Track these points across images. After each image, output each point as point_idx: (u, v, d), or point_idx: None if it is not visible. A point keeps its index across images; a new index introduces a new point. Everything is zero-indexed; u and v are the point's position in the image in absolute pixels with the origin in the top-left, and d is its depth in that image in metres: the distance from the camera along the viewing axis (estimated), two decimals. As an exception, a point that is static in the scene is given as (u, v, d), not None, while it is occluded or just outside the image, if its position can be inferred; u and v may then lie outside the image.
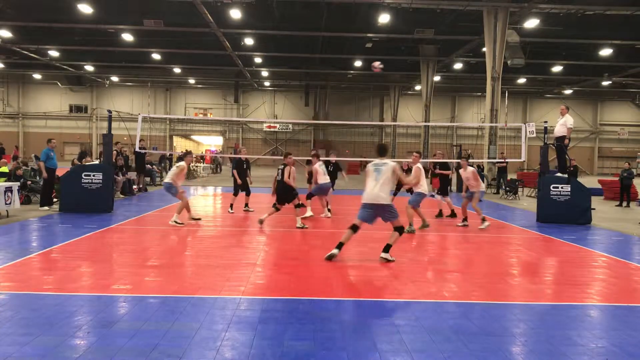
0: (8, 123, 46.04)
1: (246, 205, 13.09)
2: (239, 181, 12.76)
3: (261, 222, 10.40)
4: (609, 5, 20.90)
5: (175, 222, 10.39)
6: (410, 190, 11.61)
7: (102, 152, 14.17)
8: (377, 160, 7.61)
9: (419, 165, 10.37)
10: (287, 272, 6.77)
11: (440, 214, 12.81)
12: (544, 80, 40.64)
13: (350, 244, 9.00)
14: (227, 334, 4.40)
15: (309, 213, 11.94)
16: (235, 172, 12.93)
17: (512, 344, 4.42)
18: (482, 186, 11.78)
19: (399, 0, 20.94)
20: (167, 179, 10.90)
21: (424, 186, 10.43)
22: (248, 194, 13.06)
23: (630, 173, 17.71)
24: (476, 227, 11.19)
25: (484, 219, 11.22)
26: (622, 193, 17.81)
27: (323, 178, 11.93)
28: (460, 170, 11.78)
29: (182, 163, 10.95)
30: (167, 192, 11.01)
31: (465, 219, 11.50)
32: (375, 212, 7.44)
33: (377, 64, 10.10)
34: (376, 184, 7.34)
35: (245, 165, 13.00)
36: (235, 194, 12.98)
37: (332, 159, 14.24)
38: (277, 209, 10.58)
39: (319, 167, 11.96)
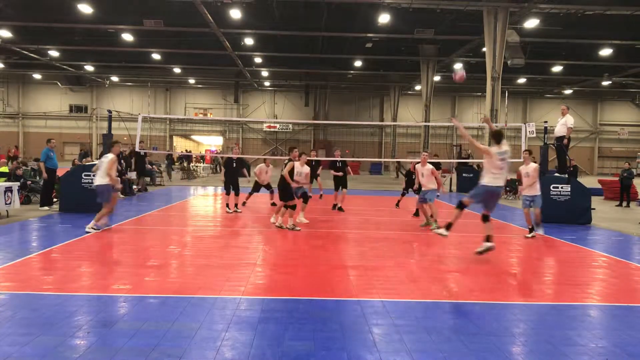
0: (8, 123, 46.02)
1: (235, 205, 13.00)
2: (222, 179, 12.86)
3: (291, 228, 10.20)
4: (609, 5, 20.86)
5: (93, 228, 9.30)
6: (417, 191, 11.68)
7: (102, 152, 14.17)
8: (500, 148, 7.47)
9: (428, 165, 11.03)
10: (287, 272, 6.77)
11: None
12: (544, 80, 40.58)
13: (349, 244, 9.04)
14: (227, 334, 4.40)
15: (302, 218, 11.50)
16: (223, 171, 13.07)
17: (512, 344, 4.42)
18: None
19: (399, 0, 20.91)
20: (100, 178, 9.47)
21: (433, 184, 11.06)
22: (237, 193, 12.95)
23: (630, 173, 17.72)
24: (475, 227, 11.19)
25: (531, 229, 10.24)
26: (622, 193, 17.83)
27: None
28: (521, 167, 10.70)
29: (110, 155, 9.70)
30: (100, 197, 9.46)
31: (532, 229, 10.19)
32: (495, 197, 7.66)
33: (460, 74, 8.83)
34: (504, 172, 7.53)
35: (235, 164, 12.87)
36: (227, 193, 12.96)
37: (338, 158, 14.06)
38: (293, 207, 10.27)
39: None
